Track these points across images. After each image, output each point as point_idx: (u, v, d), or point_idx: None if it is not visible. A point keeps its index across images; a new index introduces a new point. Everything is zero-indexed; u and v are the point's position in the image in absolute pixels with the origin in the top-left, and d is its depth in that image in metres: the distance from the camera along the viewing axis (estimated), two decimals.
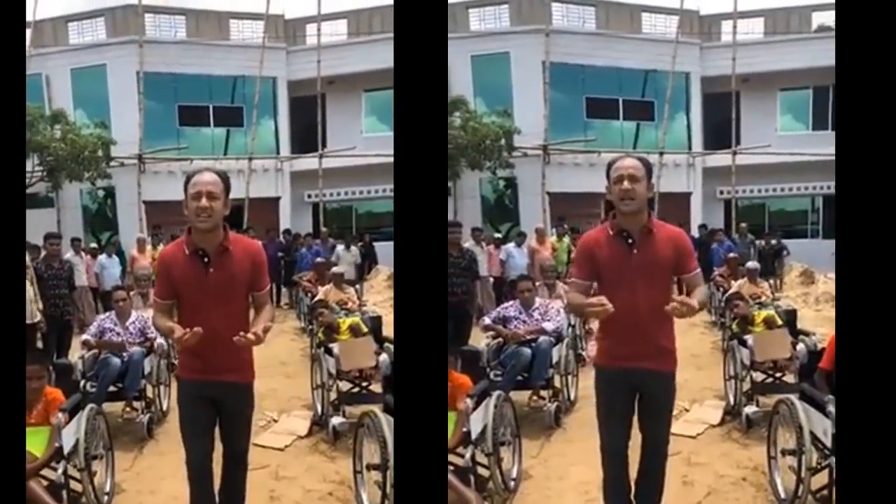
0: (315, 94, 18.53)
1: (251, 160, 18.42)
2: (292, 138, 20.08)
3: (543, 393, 5.85)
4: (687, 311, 2.98)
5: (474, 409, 4.10)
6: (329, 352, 5.80)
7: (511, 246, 11.25)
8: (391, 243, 15.15)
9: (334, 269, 9.14)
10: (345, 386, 5.75)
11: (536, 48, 18.33)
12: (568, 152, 18.28)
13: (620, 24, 20.65)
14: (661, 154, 17.78)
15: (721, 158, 18.72)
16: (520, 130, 17.21)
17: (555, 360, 5.78)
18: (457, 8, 20.30)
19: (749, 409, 5.48)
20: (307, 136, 19.28)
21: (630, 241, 3.17)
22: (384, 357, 5.67)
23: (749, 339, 5.94)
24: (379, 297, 12.25)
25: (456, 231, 7.31)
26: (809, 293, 13.38)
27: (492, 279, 10.89)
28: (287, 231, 15.23)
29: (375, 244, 14.85)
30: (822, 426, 3.80)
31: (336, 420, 5.37)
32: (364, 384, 5.83)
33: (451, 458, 4.00)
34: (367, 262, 13.36)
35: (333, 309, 7.02)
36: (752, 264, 8.94)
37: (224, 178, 3.24)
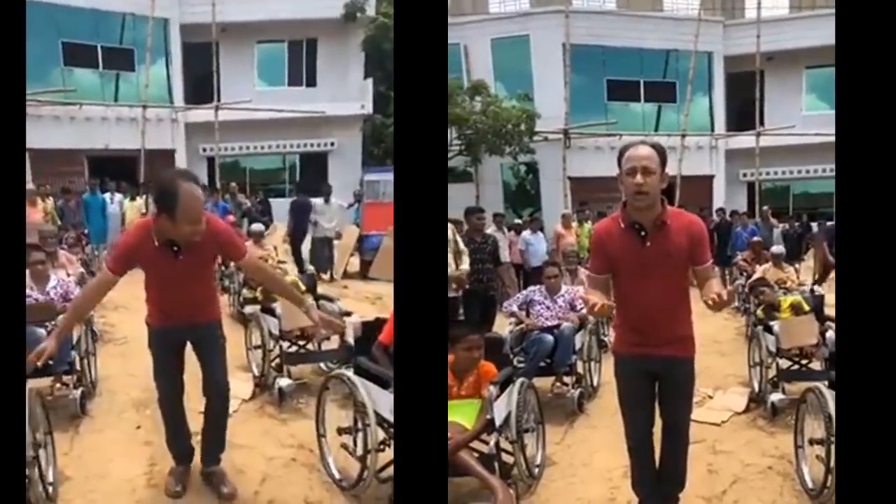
0: (210, 42, 17.31)
1: (146, 108, 16.96)
2: (185, 87, 18.65)
3: (567, 379, 5.84)
4: (723, 304, 2.93)
5: (498, 396, 4.10)
6: (270, 311, 5.88)
7: (528, 233, 11.20)
8: (284, 200, 15.08)
9: (253, 226, 9.29)
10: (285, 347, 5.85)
11: (556, 30, 18.11)
12: (589, 136, 18.10)
13: (641, 3, 20.35)
14: (684, 136, 17.58)
15: (744, 140, 18.43)
16: (540, 115, 17.08)
17: (577, 346, 5.77)
18: None
19: (775, 397, 5.44)
20: (201, 86, 18.11)
21: (643, 233, 3.10)
22: (355, 318, 5.71)
23: (775, 325, 5.87)
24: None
25: (480, 216, 7.28)
26: (832, 278, 13.20)
27: (512, 266, 10.86)
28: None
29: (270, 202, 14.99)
30: None
31: (283, 382, 5.46)
32: (303, 343, 5.97)
33: (475, 444, 4.02)
34: (265, 220, 13.33)
35: None
36: (778, 248, 8.78)
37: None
